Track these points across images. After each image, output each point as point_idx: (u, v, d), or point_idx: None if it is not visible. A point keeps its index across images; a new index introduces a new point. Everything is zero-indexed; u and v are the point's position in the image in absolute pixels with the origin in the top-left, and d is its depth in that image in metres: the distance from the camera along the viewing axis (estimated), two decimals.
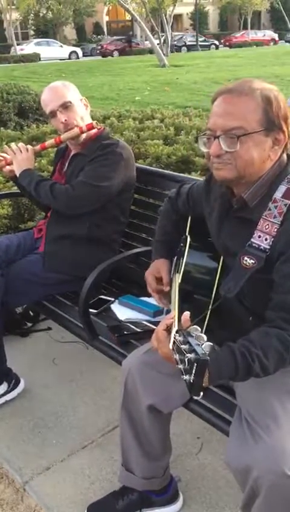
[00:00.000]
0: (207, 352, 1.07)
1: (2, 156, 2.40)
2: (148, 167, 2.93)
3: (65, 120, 2.23)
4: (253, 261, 1.36)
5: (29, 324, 2.95)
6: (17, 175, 2.34)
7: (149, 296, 1.91)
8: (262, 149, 1.35)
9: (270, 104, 1.33)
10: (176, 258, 1.75)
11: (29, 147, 2.37)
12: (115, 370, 1.93)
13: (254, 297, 1.45)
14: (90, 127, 2.24)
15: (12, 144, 2.39)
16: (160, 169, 3.05)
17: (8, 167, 2.39)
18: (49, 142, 2.38)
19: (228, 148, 1.33)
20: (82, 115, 2.28)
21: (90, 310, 2.10)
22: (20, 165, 2.33)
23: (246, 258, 1.37)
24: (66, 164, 2.40)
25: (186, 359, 1.08)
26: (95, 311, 2.17)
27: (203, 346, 1.09)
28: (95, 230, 2.29)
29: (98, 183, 2.19)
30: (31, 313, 2.98)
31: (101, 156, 2.22)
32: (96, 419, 2.25)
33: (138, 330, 2.00)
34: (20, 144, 2.37)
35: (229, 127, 1.33)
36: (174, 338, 1.16)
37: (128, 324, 2.05)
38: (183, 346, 1.11)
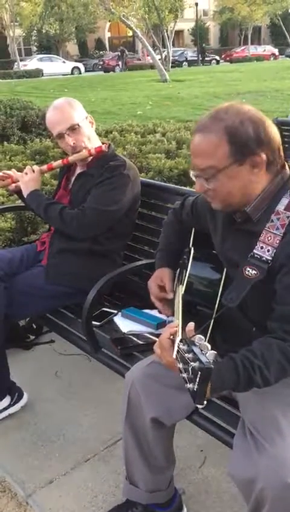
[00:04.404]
0: (211, 361, 1.08)
1: (7, 174, 2.43)
2: (150, 180, 2.95)
3: (74, 143, 2.25)
4: (255, 272, 1.37)
5: (32, 337, 2.95)
6: (25, 196, 2.36)
7: (152, 308, 1.92)
8: (239, 179, 1.38)
9: (235, 134, 1.33)
10: (179, 270, 1.76)
11: (35, 167, 2.39)
12: (118, 382, 1.92)
13: (256, 308, 1.46)
14: (99, 151, 2.24)
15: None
16: (163, 183, 3.07)
17: (13, 185, 2.42)
18: (57, 163, 2.38)
19: (207, 186, 1.40)
20: (89, 135, 2.29)
21: (93, 323, 2.10)
22: (27, 186, 2.35)
23: (248, 269, 1.38)
24: (72, 180, 2.41)
25: (190, 368, 1.08)
26: (98, 323, 2.18)
27: (207, 354, 1.09)
28: (98, 244, 2.30)
29: (107, 208, 2.20)
30: (34, 326, 2.98)
31: (109, 178, 2.22)
32: (99, 432, 2.24)
33: (141, 342, 2.00)
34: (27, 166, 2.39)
35: (203, 166, 1.38)
36: (178, 347, 1.16)
37: (131, 336, 2.06)
38: (187, 355, 1.11)
